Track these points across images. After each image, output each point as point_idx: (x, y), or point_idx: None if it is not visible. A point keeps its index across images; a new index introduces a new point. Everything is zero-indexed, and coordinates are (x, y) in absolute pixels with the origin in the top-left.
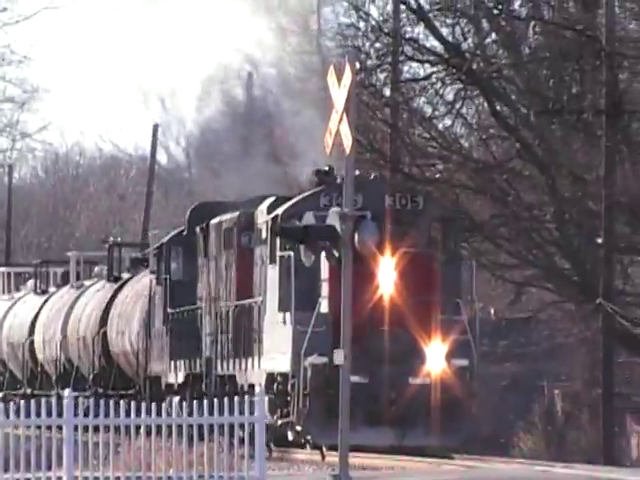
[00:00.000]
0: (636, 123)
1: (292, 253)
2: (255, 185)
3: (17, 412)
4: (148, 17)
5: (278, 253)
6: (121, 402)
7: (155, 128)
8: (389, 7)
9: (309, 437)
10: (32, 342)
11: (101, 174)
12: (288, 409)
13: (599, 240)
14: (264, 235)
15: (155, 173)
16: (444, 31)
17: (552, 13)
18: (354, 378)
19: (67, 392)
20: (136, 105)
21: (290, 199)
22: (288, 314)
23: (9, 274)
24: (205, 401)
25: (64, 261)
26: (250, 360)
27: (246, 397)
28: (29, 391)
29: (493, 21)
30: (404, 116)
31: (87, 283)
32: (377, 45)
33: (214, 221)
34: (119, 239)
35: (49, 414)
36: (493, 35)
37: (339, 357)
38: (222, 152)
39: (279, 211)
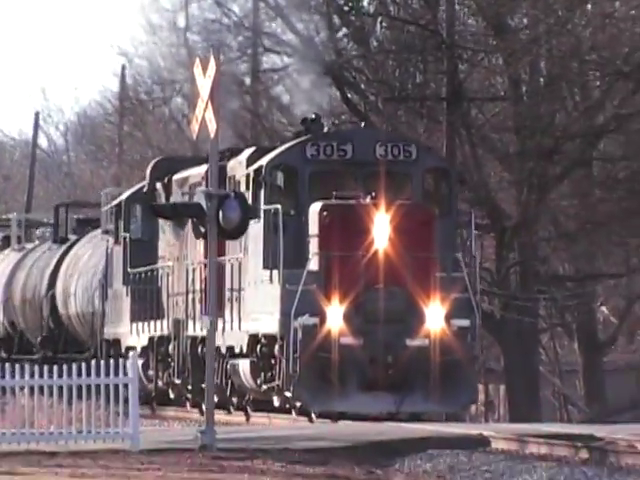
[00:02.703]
0: (474, 109)
1: (279, 206)
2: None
3: None
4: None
5: (262, 207)
6: (6, 365)
7: (37, 115)
8: (249, 4)
9: (299, 403)
10: None
11: None
12: (272, 373)
13: None
14: (243, 188)
15: (37, 156)
16: (299, 26)
17: (397, 9)
18: (347, 340)
19: None
20: (19, 94)
21: (270, 150)
22: (275, 272)
23: None
24: (86, 364)
25: (3, 225)
26: (229, 321)
27: (121, 360)
28: None
29: (343, 17)
30: (264, 103)
31: (29, 246)
32: (239, 39)
33: (177, 176)
34: (3, 216)
35: None
36: (344, 29)
37: (205, 323)
38: (97, 137)
39: (263, 162)
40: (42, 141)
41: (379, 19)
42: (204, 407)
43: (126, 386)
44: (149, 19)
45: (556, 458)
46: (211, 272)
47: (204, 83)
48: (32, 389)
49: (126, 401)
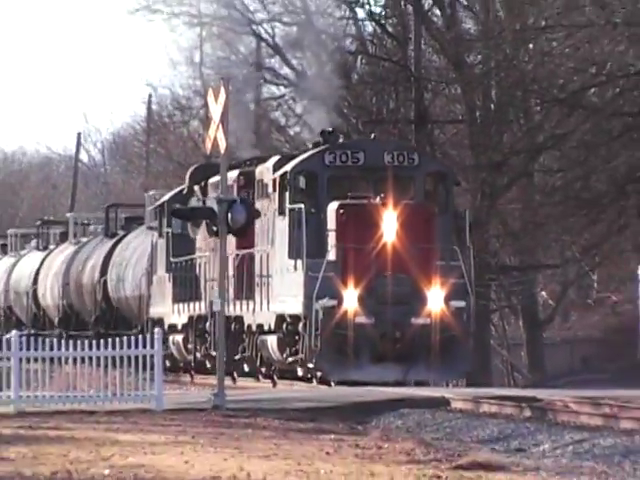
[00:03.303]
0: (437, 130)
1: (302, 206)
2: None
3: None
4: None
5: (288, 206)
6: (54, 340)
7: (79, 135)
8: (253, 44)
9: (319, 373)
10: (35, 290)
11: (38, 169)
12: (296, 347)
13: None
14: (270, 190)
15: (78, 169)
16: (294, 62)
17: (374, 49)
18: (361, 319)
19: (14, 332)
20: (65, 117)
21: (292, 158)
22: (299, 261)
23: (15, 235)
24: (118, 338)
25: (62, 222)
26: (259, 303)
27: (148, 335)
28: (32, 331)
29: (330, 54)
30: (264, 125)
31: (84, 240)
32: (244, 72)
33: (212, 180)
34: (52, 217)
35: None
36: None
37: (216, 304)
38: (128, 153)
39: (288, 168)
40: (83, 156)
41: (359, 57)
42: (234, 374)
43: (152, 357)
44: (170, 56)
45: (504, 416)
46: (222, 264)
47: (216, 109)
48: (75, 359)
49: (152, 369)
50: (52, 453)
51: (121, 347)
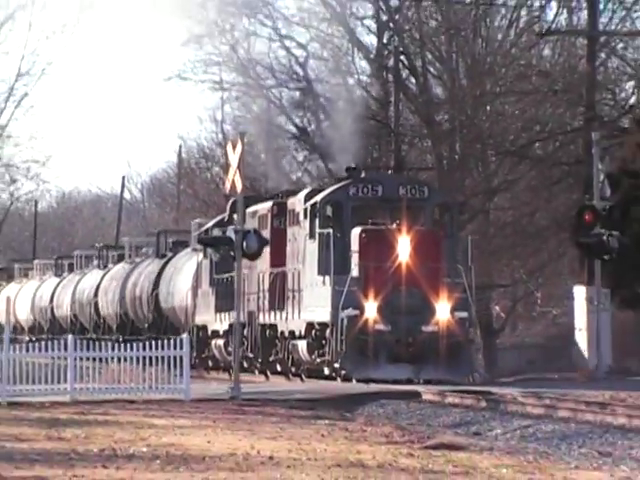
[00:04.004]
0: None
1: (331, 230)
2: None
3: (39, 349)
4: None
5: (317, 230)
6: (103, 343)
7: (123, 178)
8: (264, 105)
9: (344, 372)
10: (96, 302)
11: (90, 205)
12: (324, 350)
13: None
14: (301, 218)
15: (123, 205)
16: (297, 120)
17: (362, 109)
18: (379, 326)
19: (70, 337)
20: (112, 163)
21: (320, 191)
22: (327, 277)
23: (80, 256)
24: (154, 341)
25: (118, 246)
26: (291, 312)
27: (178, 338)
28: (94, 336)
29: (325, 113)
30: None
31: (137, 260)
32: (258, 128)
33: (249, 209)
34: (101, 244)
35: (59, 349)
36: (326, 122)
37: (233, 315)
38: (163, 192)
39: (317, 198)
40: (126, 195)
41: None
42: (268, 372)
43: (181, 357)
44: (197, 114)
45: (465, 406)
46: (237, 282)
47: (234, 157)
48: (119, 359)
49: (182, 366)
50: (100, 434)
51: (157, 348)
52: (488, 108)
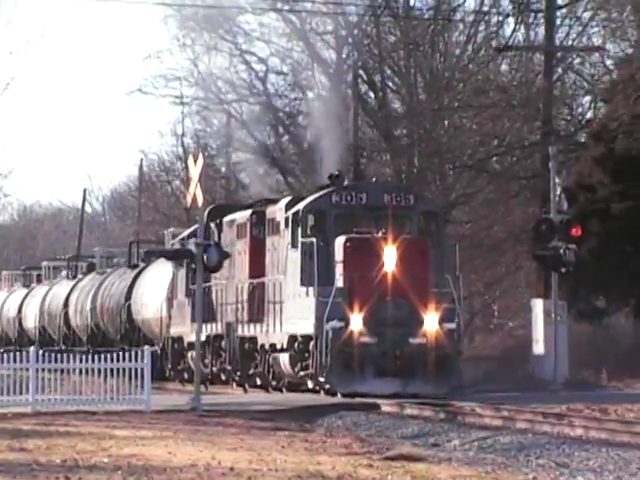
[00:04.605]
0: None
1: (314, 239)
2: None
3: (1, 360)
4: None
5: (300, 239)
6: (63, 354)
7: (84, 191)
8: (224, 119)
9: (328, 386)
10: (66, 313)
11: (51, 218)
12: (307, 363)
13: None
14: (282, 226)
15: (84, 218)
16: (257, 134)
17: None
18: (365, 338)
19: (32, 349)
20: (73, 177)
21: (302, 199)
22: (311, 288)
23: (48, 267)
24: (117, 353)
25: (89, 256)
26: (272, 324)
27: (139, 350)
28: (63, 347)
29: (286, 127)
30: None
31: (108, 270)
32: (217, 142)
33: (227, 218)
34: (63, 256)
35: (21, 361)
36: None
37: (195, 327)
38: (124, 206)
39: (300, 206)
40: (87, 208)
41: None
42: (246, 386)
43: (142, 369)
44: (158, 128)
45: (423, 417)
46: (197, 295)
47: (195, 171)
48: (80, 370)
49: (143, 378)
50: (62, 445)
51: (118, 360)
52: (446, 122)
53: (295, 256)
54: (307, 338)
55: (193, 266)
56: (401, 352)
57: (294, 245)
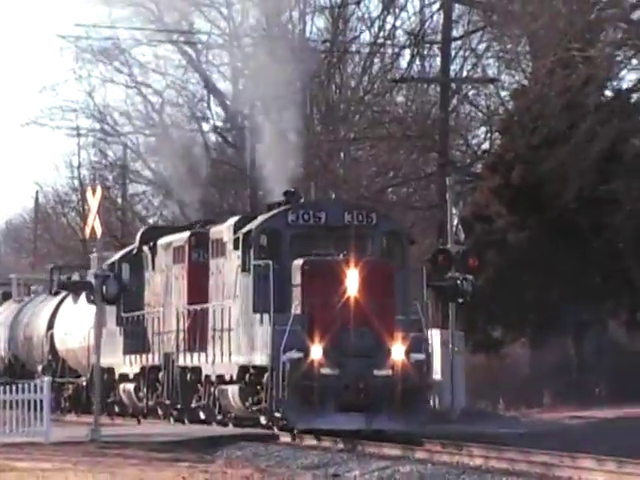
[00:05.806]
0: None
1: (270, 262)
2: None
3: None
4: None
5: (253, 262)
6: None
7: None
8: (120, 152)
9: (285, 422)
10: None
11: None
12: (260, 397)
13: None
14: (230, 248)
15: None
16: (153, 165)
17: (217, 155)
18: (326, 370)
19: None
20: None
21: (252, 219)
22: (266, 315)
23: None
24: (15, 385)
25: (3, 284)
26: (219, 354)
27: (36, 382)
28: None
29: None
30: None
31: (27, 298)
32: (114, 174)
33: (162, 241)
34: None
35: None
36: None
37: (94, 357)
38: (19, 237)
39: (252, 226)
40: None
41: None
42: (186, 421)
43: (42, 401)
44: (54, 160)
45: (323, 448)
46: (96, 326)
47: (93, 202)
48: None
49: (42, 410)
50: None
51: (17, 392)
52: (342, 154)
53: (246, 280)
54: (261, 369)
55: (92, 297)
56: (365, 385)
57: (245, 269)
